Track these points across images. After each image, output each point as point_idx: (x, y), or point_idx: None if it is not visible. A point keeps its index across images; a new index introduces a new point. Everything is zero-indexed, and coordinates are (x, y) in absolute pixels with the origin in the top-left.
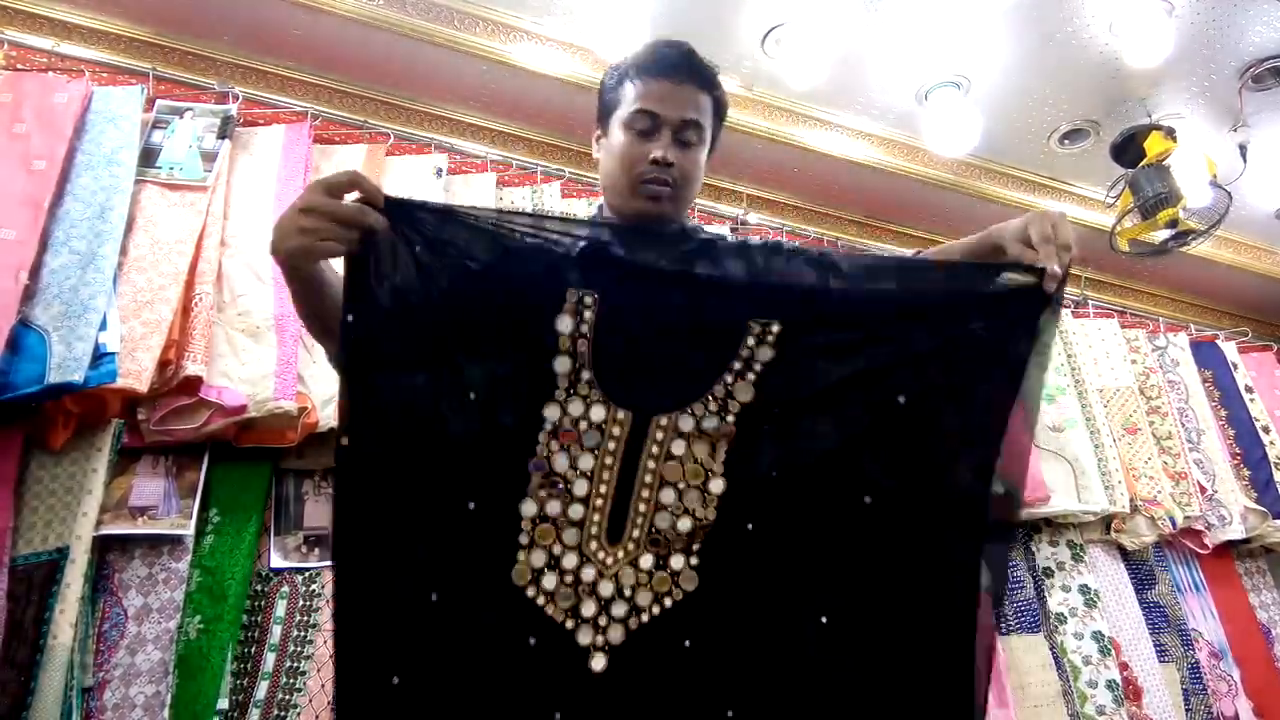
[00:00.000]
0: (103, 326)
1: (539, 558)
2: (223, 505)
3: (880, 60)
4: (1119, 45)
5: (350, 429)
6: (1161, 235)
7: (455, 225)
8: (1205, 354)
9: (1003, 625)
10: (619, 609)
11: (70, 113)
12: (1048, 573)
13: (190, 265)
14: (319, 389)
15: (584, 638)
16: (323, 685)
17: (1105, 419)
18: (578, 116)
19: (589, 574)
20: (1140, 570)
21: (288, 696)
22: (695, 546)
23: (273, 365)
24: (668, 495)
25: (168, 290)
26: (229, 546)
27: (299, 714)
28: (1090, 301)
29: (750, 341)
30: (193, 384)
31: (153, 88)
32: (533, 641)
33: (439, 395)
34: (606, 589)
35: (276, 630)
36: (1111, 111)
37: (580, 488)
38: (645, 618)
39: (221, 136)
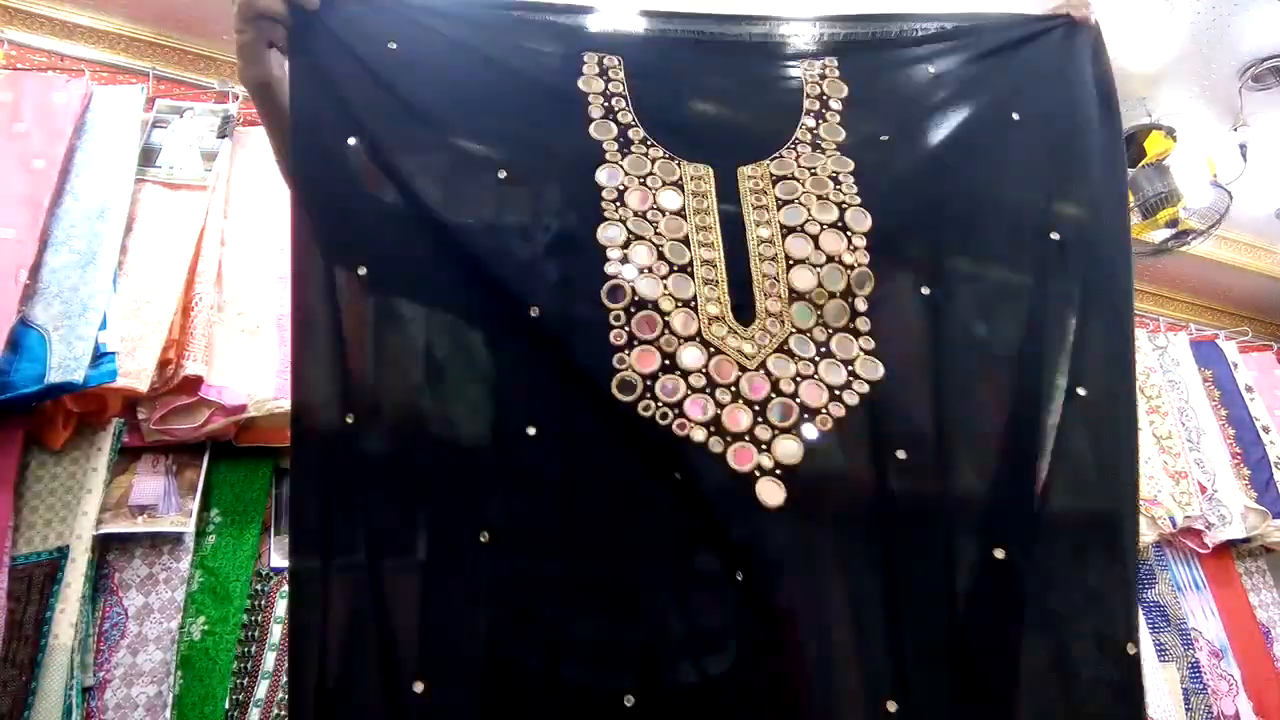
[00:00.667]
0: (103, 326)
1: (648, 359)
2: (224, 505)
3: None
4: (1118, 44)
5: (365, 257)
6: (1161, 235)
7: (423, 5)
8: (1205, 353)
9: None
10: (779, 414)
11: (70, 112)
12: None
13: (190, 265)
14: None
15: (741, 463)
16: None
17: None
18: None
19: (725, 370)
20: (1140, 569)
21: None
22: (860, 314)
23: (274, 364)
24: (798, 245)
25: (168, 290)
26: (231, 547)
27: None
28: None
29: (814, 78)
30: (193, 383)
31: (153, 87)
32: (678, 477)
33: (468, 184)
34: (756, 389)
35: (277, 630)
36: None
37: (676, 253)
38: (826, 423)
39: (221, 136)
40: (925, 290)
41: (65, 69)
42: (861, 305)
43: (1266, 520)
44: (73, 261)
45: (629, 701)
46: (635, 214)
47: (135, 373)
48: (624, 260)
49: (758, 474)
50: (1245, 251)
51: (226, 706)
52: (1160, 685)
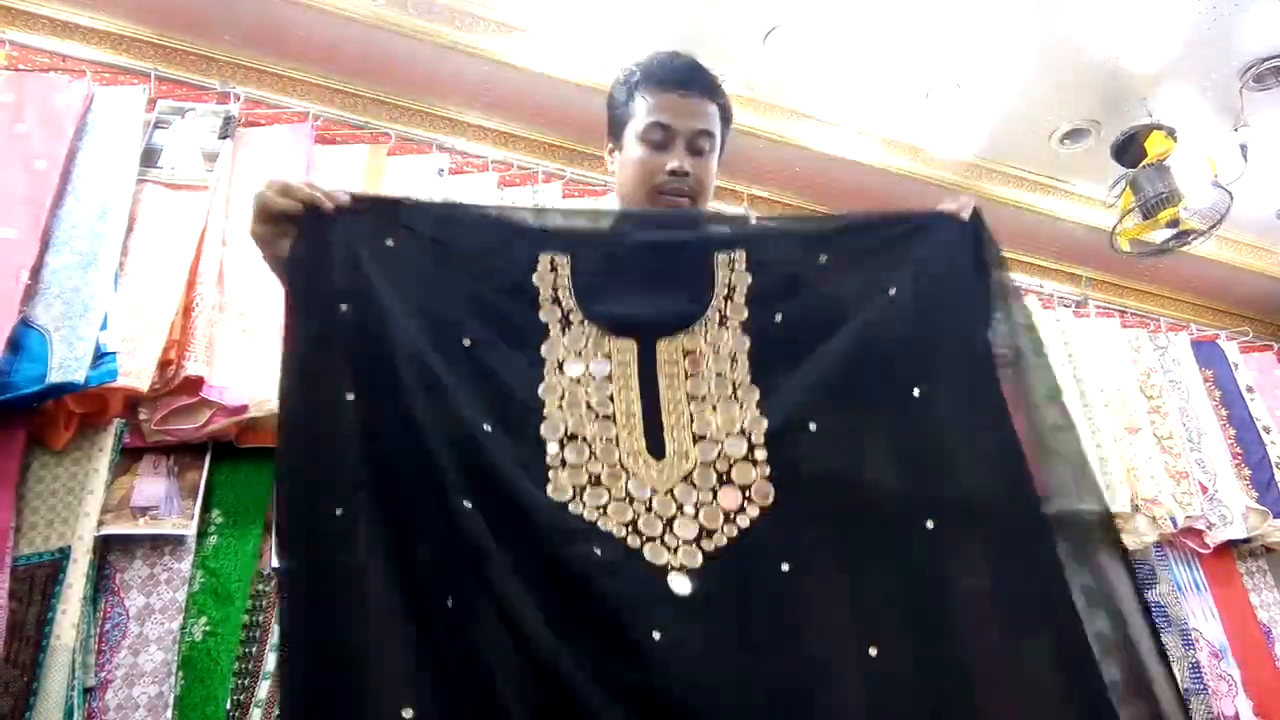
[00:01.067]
0: (104, 326)
1: (577, 476)
2: (226, 506)
3: (882, 60)
4: (1120, 45)
5: (353, 386)
6: (1162, 235)
7: (417, 212)
8: (1206, 354)
9: None
10: (686, 529)
11: (72, 113)
12: None
13: (191, 265)
14: None
15: (655, 557)
16: None
17: (1106, 419)
18: (578, 116)
19: (638, 489)
20: (1141, 570)
21: None
22: (758, 453)
23: (275, 365)
24: (700, 409)
25: (169, 290)
26: (233, 548)
27: None
28: (1091, 301)
29: (724, 271)
30: (194, 384)
31: (154, 88)
32: (598, 552)
33: (439, 346)
34: (664, 507)
35: (278, 630)
36: (1112, 111)
37: (600, 404)
38: (722, 540)
39: (223, 136)
40: (812, 427)
41: (67, 70)
42: (759, 439)
43: (1267, 520)
44: (74, 262)
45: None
46: (570, 379)
47: (136, 373)
48: (559, 408)
49: (670, 569)
50: (1246, 252)
51: (228, 707)
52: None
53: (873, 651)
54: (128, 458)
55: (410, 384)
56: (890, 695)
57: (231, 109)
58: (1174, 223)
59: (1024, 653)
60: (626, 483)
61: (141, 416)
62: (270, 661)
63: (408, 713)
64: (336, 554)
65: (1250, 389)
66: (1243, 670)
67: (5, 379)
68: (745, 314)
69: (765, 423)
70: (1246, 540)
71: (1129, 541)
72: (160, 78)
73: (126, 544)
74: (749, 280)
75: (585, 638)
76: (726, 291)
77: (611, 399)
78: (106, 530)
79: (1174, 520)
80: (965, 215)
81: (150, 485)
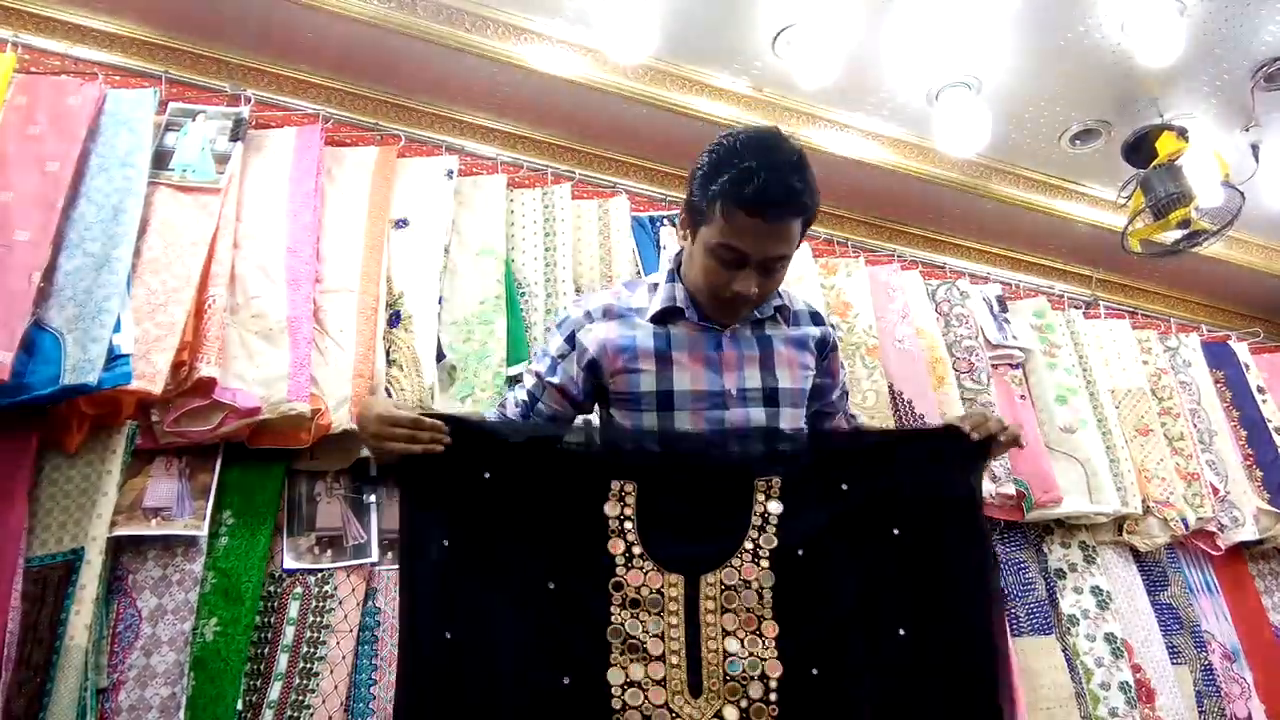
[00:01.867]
0: (117, 328)
1: (633, 718)
2: (236, 507)
3: (891, 60)
4: (1130, 45)
5: (451, 625)
6: (1173, 235)
7: (506, 443)
8: (1217, 354)
9: (1014, 628)
10: None
11: (84, 115)
12: (1059, 574)
13: (203, 267)
14: (332, 390)
15: None
16: (335, 686)
17: (1117, 420)
18: (588, 118)
19: None
20: (1153, 572)
21: (301, 697)
22: (772, 695)
23: (286, 367)
24: (732, 644)
25: (181, 292)
26: (244, 548)
27: (312, 714)
28: (1101, 303)
29: (760, 498)
30: (207, 386)
31: (165, 90)
32: None
33: (525, 589)
34: None
35: (290, 631)
36: (1123, 111)
37: (655, 648)
38: None
39: (234, 139)
40: (814, 671)
41: (79, 72)
42: (773, 685)
43: (1279, 523)
44: (87, 264)
45: None
46: (630, 617)
47: (149, 375)
48: (622, 653)
49: None
50: (1257, 252)
51: (240, 708)
52: (1173, 688)
53: None
54: (140, 459)
55: (500, 631)
56: None
57: (242, 111)
58: (1185, 223)
59: None
60: None
61: (154, 418)
62: (282, 662)
63: None
64: None
65: (1261, 389)
66: (1255, 673)
67: (19, 381)
68: (774, 544)
69: (780, 668)
70: (1259, 542)
71: (1140, 543)
72: (171, 80)
73: (139, 545)
74: (780, 509)
75: None
76: (760, 522)
77: (662, 637)
78: (119, 531)
79: (1185, 522)
80: (976, 438)
81: (162, 487)
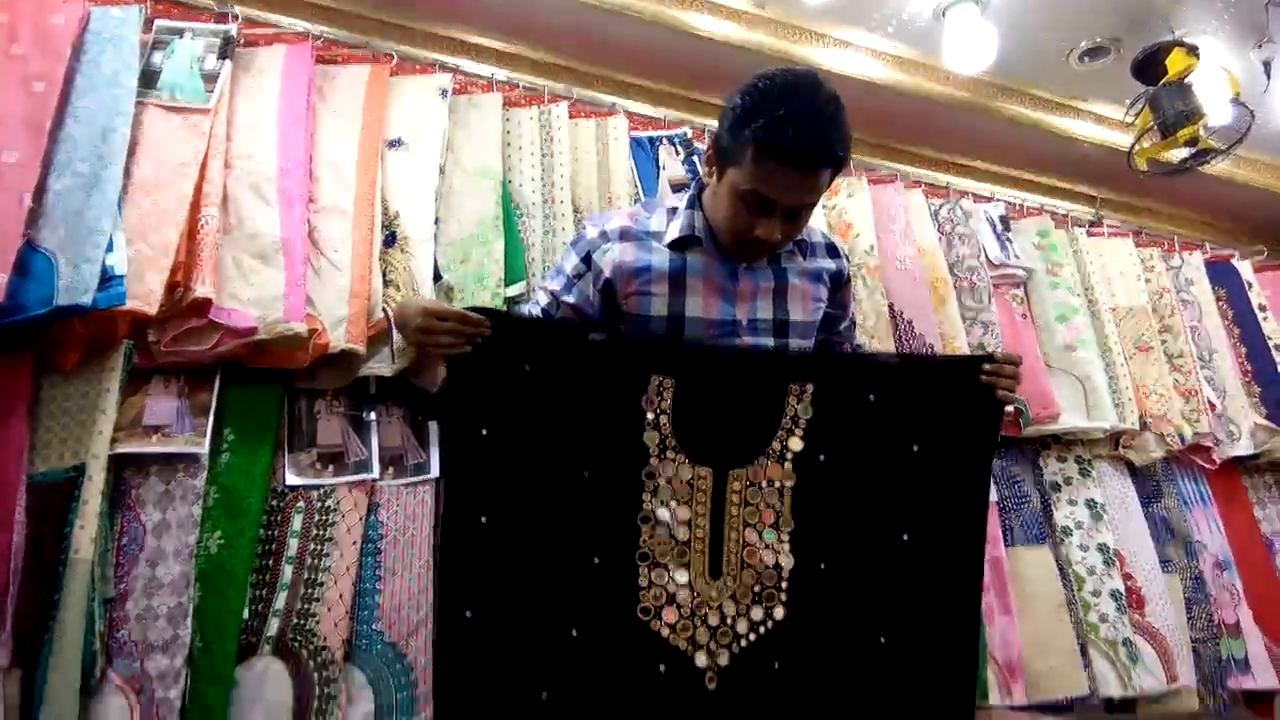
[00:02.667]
0: (109, 249)
1: (659, 596)
2: (237, 425)
3: None
4: None
5: (487, 509)
6: (1180, 154)
7: (547, 338)
8: (1220, 273)
9: (1008, 538)
10: (725, 637)
11: (68, 33)
12: (1055, 487)
13: (195, 187)
14: (328, 311)
15: (701, 661)
16: (340, 596)
17: (1118, 338)
18: (585, 36)
19: (700, 606)
20: (1147, 485)
21: (307, 606)
22: (784, 583)
23: (281, 287)
24: (751, 535)
25: (173, 213)
26: (245, 465)
27: (318, 622)
28: (1105, 221)
29: (793, 400)
30: (202, 306)
31: (151, 7)
32: (663, 669)
33: (561, 476)
34: (714, 619)
35: (293, 544)
36: (1133, 28)
37: (682, 533)
38: (744, 643)
39: (222, 57)
40: (822, 566)
41: None
42: (785, 575)
43: (1276, 437)
44: (77, 184)
45: None
46: (661, 504)
47: (143, 295)
48: (651, 536)
49: (708, 670)
50: (1265, 171)
51: (246, 616)
52: (1163, 595)
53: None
54: (138, 378)
55: (536, 514)
56: None
57: (230, 29)
58: (1193, 141)
59: None
60: (693, 601)
61: (150, 338)
62: (286, 573)
63: None
64: (464, 650)
65: (1263, 308)
66: (1245, 582)
67: (13, 301)
68: (800, 447)
69: (792, 561)
70: (1254, 457)
71: (1136, 458)
72: None
73: (140, 462)
74: (810, 414)
75: None
76: (789, 424)
77: (689, 525)
78: (120, 449)
79: (1182, 437)
80: (1001, 386)
81: (161, 405)
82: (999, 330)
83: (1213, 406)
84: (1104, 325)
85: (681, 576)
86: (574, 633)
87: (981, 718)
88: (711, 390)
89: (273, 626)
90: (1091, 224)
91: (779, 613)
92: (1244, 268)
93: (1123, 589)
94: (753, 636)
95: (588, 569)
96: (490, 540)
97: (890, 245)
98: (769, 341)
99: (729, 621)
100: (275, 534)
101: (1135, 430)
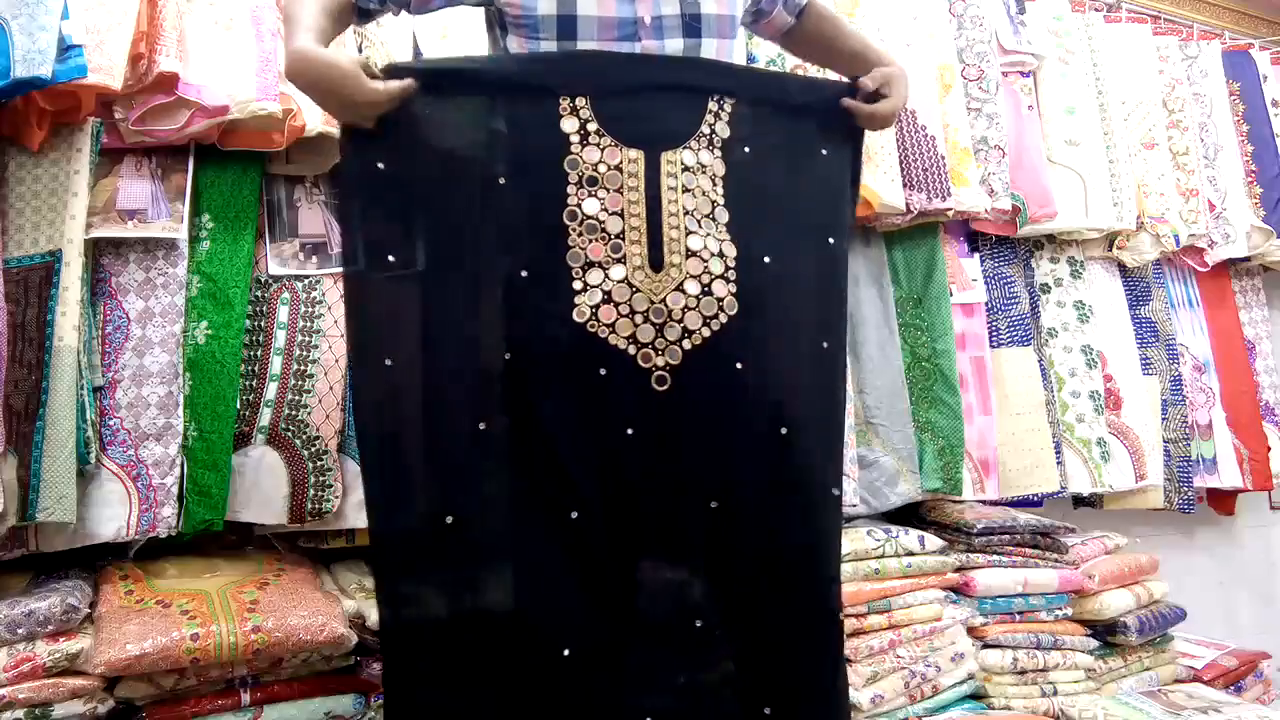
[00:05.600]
0: (65, 15)
1: (594, 296)
2: (215, 211)
3: None
4: None
5: (393, 249)
6: None
7: (446, 74)
8: (1236, 64)
9: (994, 339)
10: (672, 332)
11: None
12: (1044, 289)
13: None
14: None
15: (645, 361)
16: (330, 388)
17: (1124, 133)
18: None
19: (641, 302)
20: (1137, 287)
21: (298, 397)
22: (731, 273)
23: (253, 63)
24: (690, 223)
25: None
26: (227, 253)
27: (309, 413)
28: (1124, 5)
29: (714, 103)
30: (169, 80)
31: None
32: (603, 372)
33: (471, 193)
34: (658, 314)
35: (281, 335)
36: None
37: (614, 225)
38: (698, 339)
39: None
40: (766, 260)
41: None
42: (731, 264)
43: (1270, 239)
44: None
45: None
46: (589, 195)
47: (106, 68)
48: (580, 234)
49: (654, 370)
50: None
51: (238, 406)
52: (1141, 396)
53: (783, 431)
54: (109, 159)
55: (449, 242)
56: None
57: None
58: None
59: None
60: (631, 297)
61: (117, 116)
62: (275, 364)
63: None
64: (385, 398)
65: (1276, 103)
66: (1222, 383)
67: None
68: (727, 134)
69: (735, 249)
70: (1246, 259)
71: (1129, 259)
72: None
73: (118, 248)
74: (729, 110)
75: (589, 441)
76: (713, 118)
77: (622, 214)
78: (96, 233)
79: (1177, 238)
80: (863, 115)
81: (135, 187)
82: (1003, 123)
83: (1212, 207)
84: (1110, 120)
85: (618, 272)
86: (507, 356)
87: (955, 512)
88: (633, 83)
89: (265, 417)
90: (1110, 8)
91: (732, 306)
92: (1262, 59)
93: (1102, 390)
94: (706, 333)
95: (515, 284)
96: (400, 281)
97: (897, 27)
98: (678, 43)
99: (677, 316)
100: (263, 324)
101: (1131, 230)
